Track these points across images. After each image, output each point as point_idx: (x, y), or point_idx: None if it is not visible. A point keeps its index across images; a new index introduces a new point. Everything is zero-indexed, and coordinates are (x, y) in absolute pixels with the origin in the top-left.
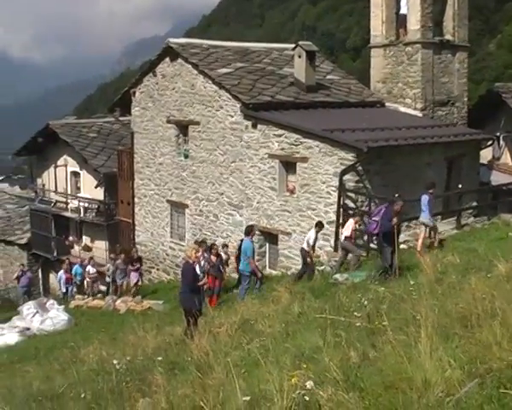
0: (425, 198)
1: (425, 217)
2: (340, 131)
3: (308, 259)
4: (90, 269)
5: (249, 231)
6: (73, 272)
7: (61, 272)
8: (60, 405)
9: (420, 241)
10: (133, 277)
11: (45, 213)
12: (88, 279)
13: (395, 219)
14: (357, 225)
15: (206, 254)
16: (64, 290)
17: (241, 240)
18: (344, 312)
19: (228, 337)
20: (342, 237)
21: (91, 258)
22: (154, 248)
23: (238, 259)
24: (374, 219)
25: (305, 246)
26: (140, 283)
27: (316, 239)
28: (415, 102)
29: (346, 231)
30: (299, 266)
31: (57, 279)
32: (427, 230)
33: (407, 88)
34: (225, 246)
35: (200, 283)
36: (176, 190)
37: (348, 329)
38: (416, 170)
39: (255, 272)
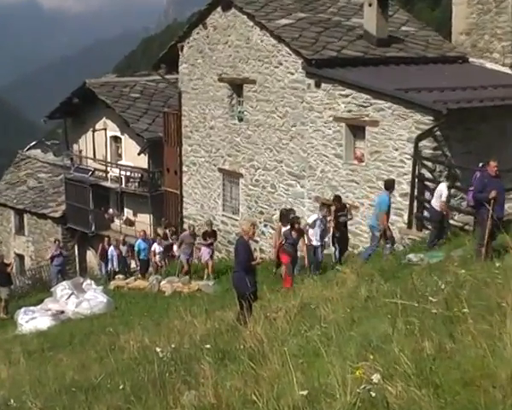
0: None
1: None
2: (416, 90)
3: (445, 212)
4: (157, 248)
5: (390, 184)
6: (136, 247)
7: (112, 248)
8: (95, 397)
9: None
10: (205, 253)
11: (82, 182)
12: (154, 260)
13: (493, 193)
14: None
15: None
16: (116, 268)
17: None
18: (418, 296)
19: (285, 324)
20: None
21: (158, 235)
22: (203, 224)
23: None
24: (471, 188)
25: (434, 203)
26: (210, 261)
27: (449, 196)
28: (503, 57)
29: None
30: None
31: (109, 256)
32: None
33: (495, 40)
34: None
35: (254, 262)
36: (229, 157)
37: (422, 316)
38: (503, 136)
39: (385, 231)
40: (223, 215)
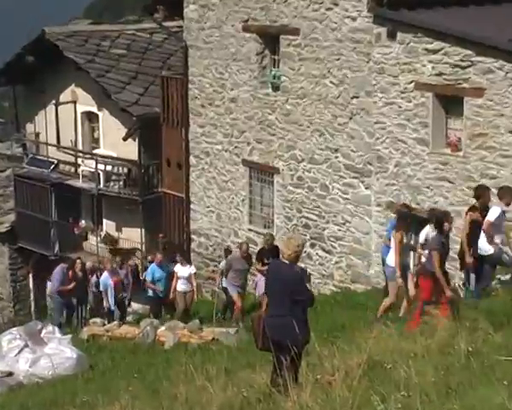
0: None
1: None
2: None
3: None
4: (180, 270)
5: None
6: (148, 275)
7: (106, 275)
8: None
9: None
10: (261, 283)
11: (40, 181)
12: (180, 289)
13: None
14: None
15: None
16: (112, 307)
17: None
18: None
19: (346, 391)
20: None
21: (176, 254)
22: (220, 242)
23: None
24: None
25: None
26: None
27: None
28: None
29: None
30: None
31: (101, 287)
32: None
33: None
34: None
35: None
36: (258, 143)
37: None
38: None
39: None
40: (249, 230)
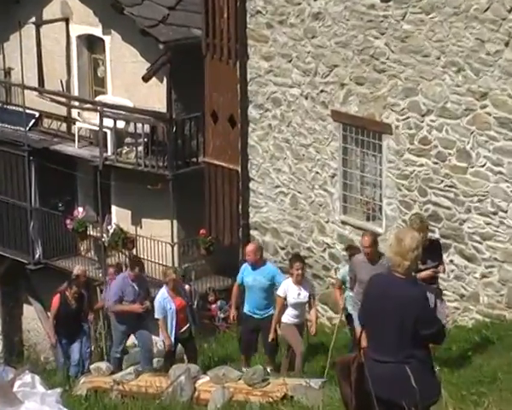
0: None
1: None
2: None
3: None
4: (293, 290)
5: None
6: (239, 279)
7: (165, 293)
8: None
9: None
10: None
11: (13, 146)
12: (288, 321)
13: None
14: None
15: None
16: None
17: None
18: None
19: None
20: None
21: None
22: (297, 242)
23: None
24: None
25: None
26: None
27: None
28: None
29: None
30: None
31: (158, 313)
32: None
33: None
34: None
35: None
36: (358, 85)
37: None
38: None
39: None
40: (343, 223)
